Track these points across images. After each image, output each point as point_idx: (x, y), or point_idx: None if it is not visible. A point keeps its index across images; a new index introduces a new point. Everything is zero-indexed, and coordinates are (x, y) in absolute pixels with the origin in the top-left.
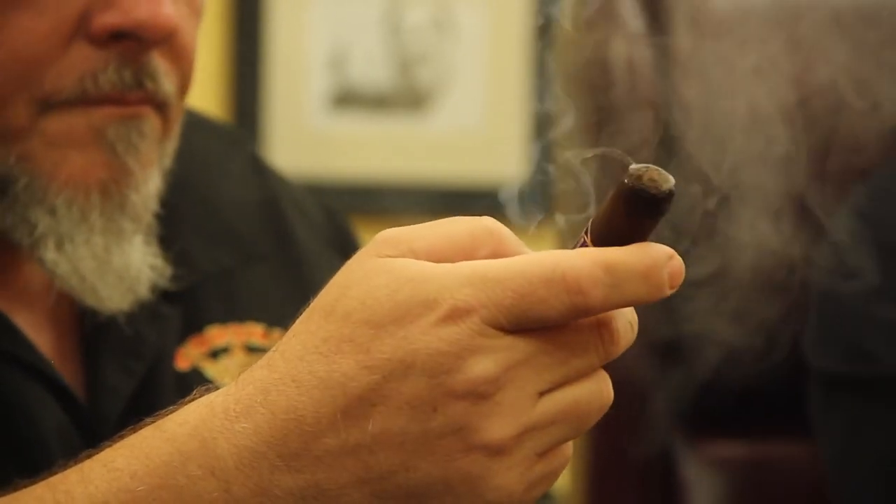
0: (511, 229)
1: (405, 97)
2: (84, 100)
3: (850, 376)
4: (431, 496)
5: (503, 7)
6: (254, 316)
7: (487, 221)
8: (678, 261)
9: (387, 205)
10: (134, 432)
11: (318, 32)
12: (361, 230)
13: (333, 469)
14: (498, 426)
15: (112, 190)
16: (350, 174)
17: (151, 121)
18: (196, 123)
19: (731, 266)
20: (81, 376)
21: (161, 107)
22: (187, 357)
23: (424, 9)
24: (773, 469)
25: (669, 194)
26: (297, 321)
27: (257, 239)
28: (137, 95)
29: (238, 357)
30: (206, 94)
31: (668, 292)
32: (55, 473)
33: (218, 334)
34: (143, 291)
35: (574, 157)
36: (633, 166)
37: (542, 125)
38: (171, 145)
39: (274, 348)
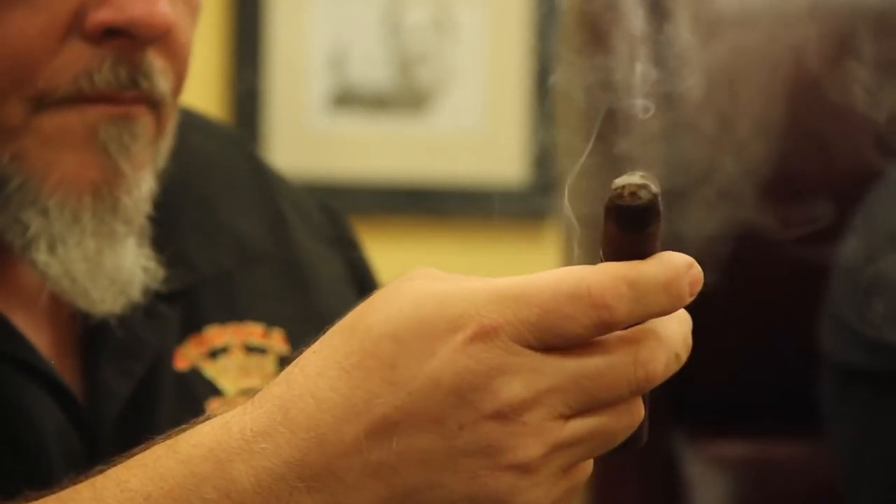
0: (511, 229)
1: (405, 97)
2: (79, 98)
3: (868, 368)
4: None
5: (503, 7)
6: (253, 316)
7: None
8: (697, 269)
9: (386, 205)
10: (147, 449)
11: (318, 32)
12: (361, 230)
13: (355, 489)
14: (525, 446)
15: (104, 192)
16: (350, 174)
17: (144, 121)
18: (195, 124)
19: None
20: (80, 377)
21: (155, 106)
22: (186, 357)
23: (424, 9)
24: (775, 468)
25: (653, 201)
26: (318, 338)
27: (256, 239)
28: (132, 94)
29: (237, 357)
30: (206, 94)
31: (688, 301)
32: (65, 487)
33: (217, 334)
34: (136, 294)
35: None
36: (614, 183)
37: (542, 125)
38: (166, 145)
39: (293, 364)
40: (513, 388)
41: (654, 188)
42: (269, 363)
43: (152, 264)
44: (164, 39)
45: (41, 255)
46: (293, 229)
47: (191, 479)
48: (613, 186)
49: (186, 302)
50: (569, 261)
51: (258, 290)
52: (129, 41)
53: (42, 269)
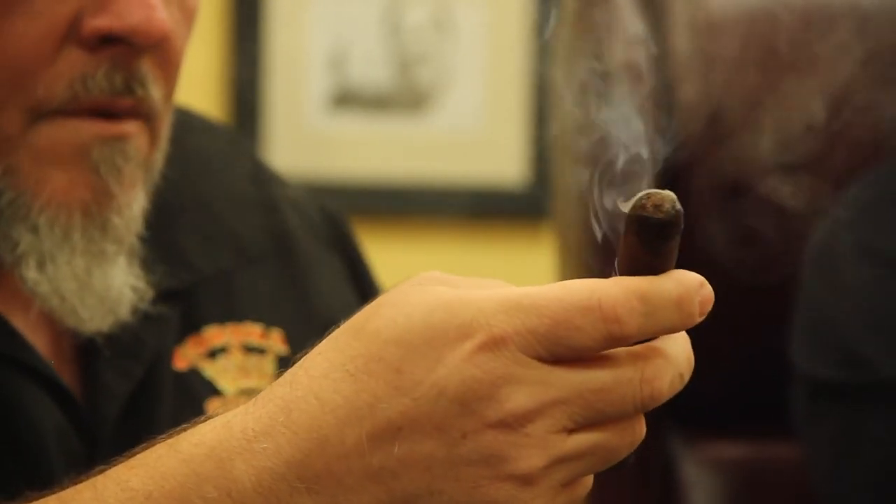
0: (510, 229)
1: (405, 97)
2: (75, 106)
3: (842, 383)
4: None
5: (503, 7)
6: (252, 316)
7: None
8: (708, 288)
9: (386, 205)
10: (148, 449)
11: (317, 32)
12: (361, 231)
13: (355, 492)
14: (527, 457)
15: (94, 211)
16: (349, 174)
17: (137, 141)
18: (194, 125)
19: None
20: (79, 377)
21: (149, 119)
22: (185, 357)
23: (424, 9)
24: (772, 469)
25: (676, 215)
26: (324, 340)
27: (256, 240)
28: (127, 102)
29: (236, 357)
30: (206, 94)
31: (699, 320)
32: (66, 487)
33: (216, 334)
34: (124, 313)
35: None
36: (638, 196)
37: (541, 125)
38: (159, 159)
39: (297, 365)
40: (518, 399)
41: (678, 204)
42: (267, 363)
43: (141, 284)
44: (160, 47)
45: (30, 273)
46: (292, 229)
47: (192, 478)
48: (637, 198)
49: (185, 302)
50: (565, 262)
51: (257, 291)
52: (126, 48)
53: (31, 287)
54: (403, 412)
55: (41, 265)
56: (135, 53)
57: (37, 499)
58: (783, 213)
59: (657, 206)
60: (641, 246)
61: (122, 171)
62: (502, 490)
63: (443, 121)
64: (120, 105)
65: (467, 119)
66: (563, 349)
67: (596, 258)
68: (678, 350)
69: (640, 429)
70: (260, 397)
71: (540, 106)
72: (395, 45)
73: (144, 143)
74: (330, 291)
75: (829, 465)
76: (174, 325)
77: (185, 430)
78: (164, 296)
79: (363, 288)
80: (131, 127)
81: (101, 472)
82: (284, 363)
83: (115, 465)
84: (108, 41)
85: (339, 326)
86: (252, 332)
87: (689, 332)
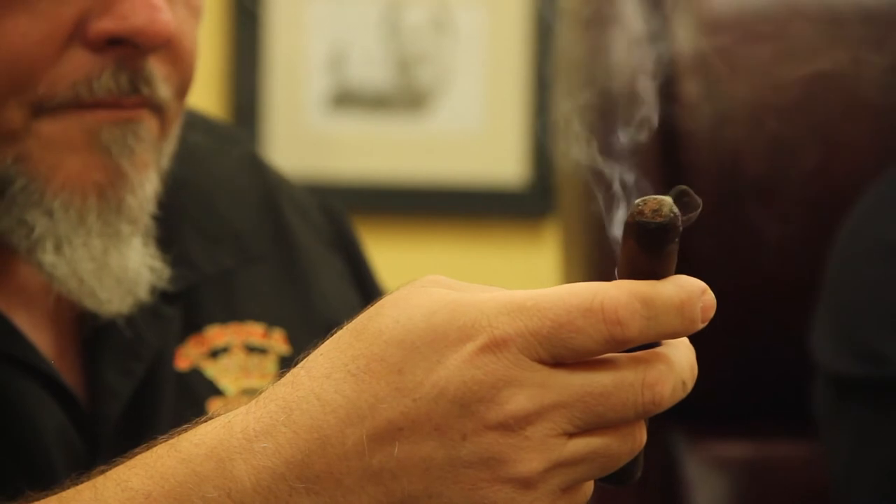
0: (510, 229)
1: (404, 97)
2: (78, 104)
3: (864, 379)
4: None
5: (502, 7)
6: (254, 316)
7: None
8: (711, 295)
9: (386, 205)
10: (148, 449)
11: (317, 33)
12: (360, 230)
13: (354, 493)
14: (527, 460)
15: (108, 193)
16: (349, 174)
17: (148, 124)
18: (195, 123)
19: (734, 266)
20: (81, 377)
21: (158, 110)
22: (187, 357)
23: (423, 9)
24: (774, 469)
25: (674, 220)
26: (326, 341)
27: (257, 239)
28: (133, 100)
29: (238, 357)
30: (206, 93)
31: (700, 326)
32: (66, 487)
33: (218, 334)
34: (142, 293)
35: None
36: (636, 201)
37: (541, 125)
38: (170, 147)
39: (299, 366)
40: (518, 401)
41: (675, 208)
42: (269, 363)
43: (158, 263)
44: (167, 46)
45: (47, 256)
46: (294, 229)
47: (192, 477)
48: (635, 204)
49: (187, 302)
50: (569, 261)
51: (259, 290)
52: (131, 50)
53: (49, 271)
54: (404, 413)
55: (58, 248)
56: (140, 54)
57: (37, 499)
58: (783, 214)
59: (655, 211)
60: (641, 251)
61: (134, 151)
62: (501, 493)
63: (442, 121)
64: (126, 102)
65: (466, 119)
66: (564, 351)
67: (599, 258)
68: (681, 357)
69: (641, 436)
70: (261, 397)
71: (539, 106)
72: (395, 46)
73: (155, 127)
74: (332, 291)
75: (848, 460)
76: (176, 324)
77: (185, 430)
78: (166, 295)
79: (365, 287)
80: (141, 113)
81: (102, 472)
82: (286, 363)
83: (115, 466)
84: (114, 43)
85: (341, 327)
86: (254, 331)
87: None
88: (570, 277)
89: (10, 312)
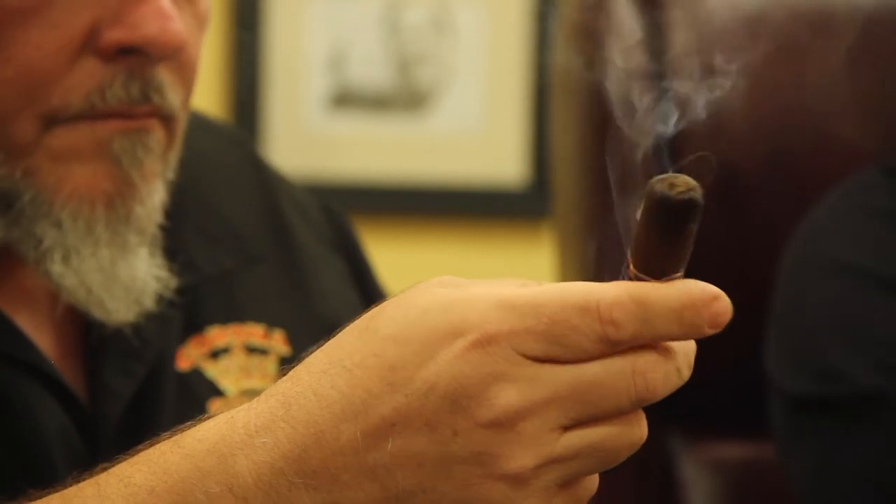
0: (510, 229)
1: (404, 97)
2: (91, 115)
3: (823, 397)
4: None
5: (502, 7)
6: (254, 316)
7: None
8: (725, 302)
9: (386, 205)
10: (151, 446)
11: (317, 32)
12: (360, 231)
13: (351, 488)
14: (518, 456)
15: (117, 203)
16: (349, 174)
17: (157, 134)
18: (195, 123)
19: (730, 266)
20: (82, 377)
21: (167, 119)
22: (188, 357)
23: (423, 9)
24: (771, 469)
25: (692, 201)
26: (328, 339)
27: (258, 239)
28: (144, 110)
29: (238, 357)
30: (206, 93)
31: (709, 332)
32: (69, 485)
33: (218, 334)
34: (149, 303)
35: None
36: (660, 178)
37: (540, 125)
38: (175, 156)
39: (301, 362)
40: (508, 397)
41: (699, 189)
42: (270, 364)
43: (164, 273)
44: (176, 55)
45: (56, 267)
46: (294, 229)
47: (195, 473)
48: (657, 179)
49: (188, 302)
50: (565, 262)
51: (259, 291)
52: (142, 58)
53: (57, 281)
54: (396, 408)
55: (66, 259)
56: (151, 63)
57: (39, 497)
58: (781, 215)
59: (675, 187)
60: (655, 229)
61: (143, 163)
62: (495, 489)
63: (442, 121)
64: (138, 111)
65: (466, 119)
66: (558, 349)
67: (595, 259)
68: (676, 346)
69: (640, 428)
70: (263, 394)
71: (539, 106)
72: (395, 46)
73: (163, 137)
74: (332, 291)
75: (812, 481)
76: (177, 325)
77: (188, 426)
78: (167, 296)
79: (366, 288)
80: (151, 123)
81: (104, 469)
82: (286, 364)
83: (118, 462)
84: (125, 52)
85: (344, 326)
86: (254, 332)
87: None
88: (567, 278)
89: (12, 313)
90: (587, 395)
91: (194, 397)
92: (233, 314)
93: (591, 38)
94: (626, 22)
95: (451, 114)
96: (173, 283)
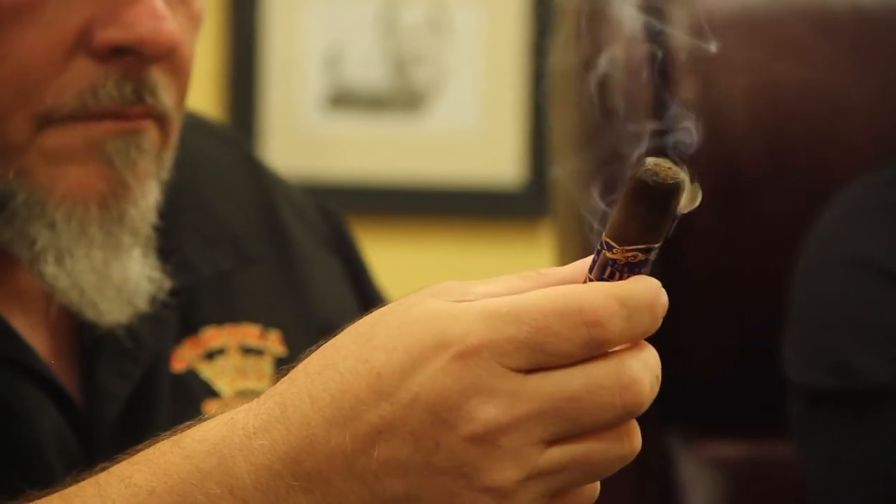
0: (507, 229)
1: (401, 97)
2: (84, 115)
3: (836, 391)
4: None
5: (499, 7)
6: (250, 317)
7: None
8: (664, 293)
9: (383, 205)
10: (151, 446)
11: (313, 33)
12: (357, 231)
13: (342, 493)
14: (500, 470)
15: (111, 203)
16: (346, 175)
17: (151, 135)
18: (191, 124)
19: (729, 265)
20: (77, 379)
21: (160, 120)
22: (183, 359)
23: (420, 9)
24: (770, 469)
25: (675, 185)
26: (328, 340)
27: (253, 240)
28: (137, 110)
29: (233, 358)
30: (202, 94)
31: (658, 325)
32: (68, 485)
33: (214, 335)
34: (142, 304)
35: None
36: (644, 162)
37: (538, 126)
38: (170, 157)
39: (300, 363)
40: (488, 411)
41: (683, 172)
42: (265, 364)
43: (157, 274)
44: (169, 56)
45: (49, 268)
46: (290, 230)
47: (195, 474)
48: (646, 164)
49: (183, 303)
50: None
51: (255, 292)
52: (135, 58)
53: (50, 282)
54: (382, 416)
55: (59, 260)
56: (144, 63)
57: (38, 497)
58: (781, 214)
59: (658, 172)
60: (635, 210)
61: (136, 163)
62: (479, 501)
63: (439, 121)
64: (131, 112)
65: (463, 119)
66: (543, 356)
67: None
68: (651, 353)
69: (630, 442)
70: (263, 395)
71: (537, 106)
72: (391, 46)
73: (157, 138)
74: (328, 292)
75: (826, 474)
76: (172, 326)
77: (188, 426)
78: (162, 297)
79: (362, 288)
80: (144, 124)
81: (104, 469)
82: (282, 364)
83: (117, 462)
84: (118, 52)
85: (345, 327)
86: (250, 333)
87: (685, 330)
88: None
89: (7, 314)
90: (570, 410)
91: (189, 398)
92: (228, 315)
93: (590, 35)
94: (626, 20)
95: (449, 114)
96: (167, 284)
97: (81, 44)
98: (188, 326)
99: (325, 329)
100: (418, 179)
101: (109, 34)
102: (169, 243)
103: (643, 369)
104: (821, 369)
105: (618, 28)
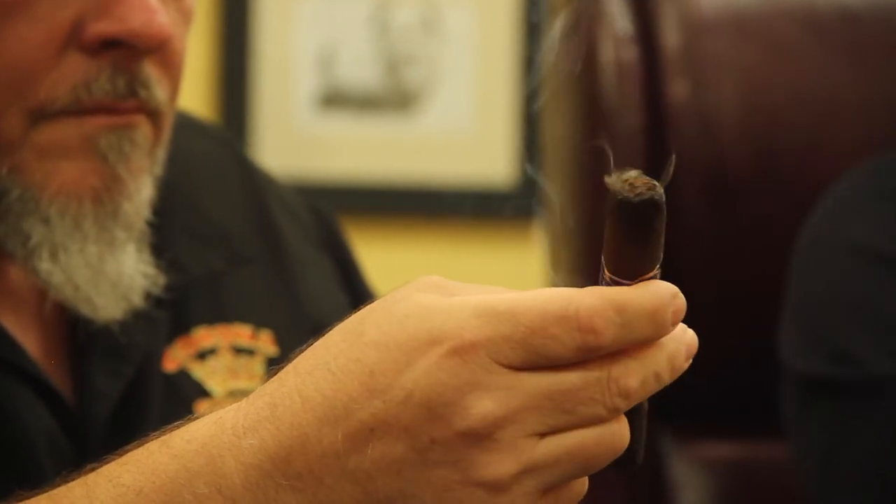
0: (500, 229)
1: (393, 98)
2: (77, 109)
3: (834, 379)
4: None
5: (491, 7)
6: (241, 317)
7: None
8: (681, 299)
9: (375, 205)
10: (140, 446)
11: (305, 33)
12: (349, 231)
13: (334, 492)
14: (495, 464)
15: (104, 198)
16: (338, 175)
17: (144, 129)
18: (182, 123)
19: (722, 265)
20: (69, 379)
21: (153, 115)
22: (174, 359)
23: (412, 9)
24: (762, 469)
25: (662, 196)
26: (317, 338)
27: (245, 240)
28: (130, 105)
29: (225, 358)
30: (194, 94)
31: (671, 330)
32: (57, 485)
33: (205, 335)
34: (137, 299)
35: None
36: (619, 179)
37: (530, 126)
38: (163, 152)
39: (290, 363)
40: (485, 405)
41: (659, 187)
42: (257, 365)
43: (152, 269)
44: (161, 49)
45: (43, 264)
46: (282, 230)
47: (183, 473)
48: (623, 180)
49: (175, 303)
50: (555, 262)
51: (247, 292)
52: (127, 52)
53: (44, 278)
54: (375, 414)
55: (54, 255)
56: (136, 57)
57: (27, 498)
58: (770, 215)
59: (635, 188)
60: (621, 231)
61: (130, 158)
62: (475, 496)
63: (431, 121)
64: (124, 106)
65: (456, 119)
66: (537, 357)
67: (584, 260)
68: (654, 350)
69: (621, 434)
70: (252, 394)
71: (529, 106)
72: (384, 46)
73: (150, 133)
74: (320, 292)
75: (818, 462)
76: (164, 326)
77: (177, 426)
78: (154, 297)
79: (354, 288)
80: (137, 119)
81: (93, 469)
82: (274, 364)
83: (106, 463)
84: (110, 45)
85: (332, 327)
86: (241, 333)
87: None
88: (556, 278)
89: None
90: (563, 402)
91: (181, 398)
92: (220, 315)
93: (582, 36)
94: (617, 20)
95: (441, 114)
96: (161, 280)
97: (73, 38)
98: (180, 326)
99: (317, 329)
100: (410, 179)
101: (101, 27)
102: (160, 240)
103: (634, 364)
104: (818, 355)
105: (609, 28)
